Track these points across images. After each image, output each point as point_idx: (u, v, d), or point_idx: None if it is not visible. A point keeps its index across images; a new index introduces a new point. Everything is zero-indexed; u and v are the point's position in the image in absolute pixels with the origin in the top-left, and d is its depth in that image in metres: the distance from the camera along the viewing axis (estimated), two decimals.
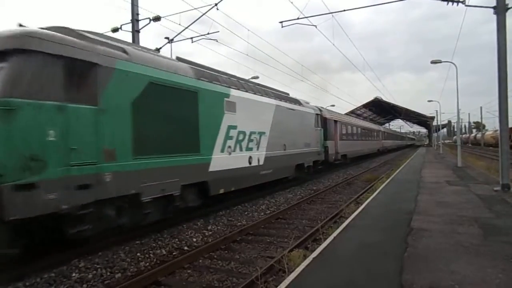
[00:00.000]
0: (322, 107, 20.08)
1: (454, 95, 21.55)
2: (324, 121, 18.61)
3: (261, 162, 11.05)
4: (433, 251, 4.87)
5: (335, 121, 21.10)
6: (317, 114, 17.11)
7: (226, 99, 9.24)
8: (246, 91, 10.52)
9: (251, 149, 10.44)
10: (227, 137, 9.24)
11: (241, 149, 9.91)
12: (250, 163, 10.29)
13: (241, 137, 9.89)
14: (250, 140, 10.37)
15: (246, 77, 13.31)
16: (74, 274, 5.23)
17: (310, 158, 15.67)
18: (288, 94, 15.04)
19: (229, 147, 9.29)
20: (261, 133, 11.12)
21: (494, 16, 9.99)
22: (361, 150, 28.97)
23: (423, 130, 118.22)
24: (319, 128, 17.24)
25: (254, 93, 11.06)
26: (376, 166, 25.68)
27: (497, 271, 4.08)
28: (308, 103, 16.92)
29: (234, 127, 9.55)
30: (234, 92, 9.69)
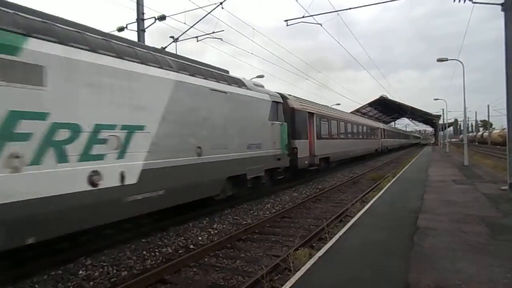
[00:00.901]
0: (290, 94, 15.09)
1: (460, 93, 21.45)
2: (291, 113, 13.98)
3: (131, 180, 6.13)
4: (439, 250, 4.84)
5: (310, 114, 16.12)
6: (275, 103, 12.14)
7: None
8: (92, 51, 5.85)
9: (98, 158, 5.68)
10: (8, 135, 4.54)
11: (62, 159, 5.14)
12: (94, 184, 5.55)
13: (62, 135, 5.18)
14: (94, 141, 5.64)
15: (251, 76, 13.05)
16: (81, 272, 5.29)
17: (259, 165, 10.59)
18: (227, 72, 10.42)
19: (16, 156, 4.58)
20: (131, 128, 6.23)
21: (500, 13, 9.89)
22: (352, 151, 23.59)
23: (429, 129, 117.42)
24: (279, 123, 12.25)
25: (118, 57, 6.27)
26: (382, 165, 25.56)
27: (505, 270, 4.05)
28: (261, 86, 12.22)
29: (38, 116, 4.90)
30: (40, 46, 5.03)
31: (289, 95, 15.03)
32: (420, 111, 66.49)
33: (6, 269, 5.01)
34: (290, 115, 13.91)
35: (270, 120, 11.72)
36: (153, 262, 5.82)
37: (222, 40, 14.53)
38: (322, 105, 20.79)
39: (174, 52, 11.13)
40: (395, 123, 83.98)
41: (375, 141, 33.46)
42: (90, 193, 5.49)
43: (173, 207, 7.46)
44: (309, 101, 18.34)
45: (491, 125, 68.90)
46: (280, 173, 12.43)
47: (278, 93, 13.35)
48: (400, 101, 61.71)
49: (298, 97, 16.28)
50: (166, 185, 6.90)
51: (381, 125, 39.65)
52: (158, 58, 7.43)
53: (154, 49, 8.01)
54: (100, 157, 5.75)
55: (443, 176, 14.14)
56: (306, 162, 14.92)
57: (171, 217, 8.13)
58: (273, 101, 12.09)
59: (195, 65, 8.77)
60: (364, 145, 28.09)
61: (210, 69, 9.33)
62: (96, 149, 5.70)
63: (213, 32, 13.94)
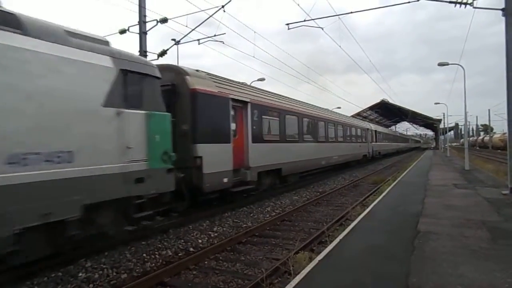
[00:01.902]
0: (198, 70, 9.50)
1: (461, 97, 21.34)
2: (191, 100, 8.45)
3: None
4: (440, 254, 4.83)
5: (241, 103, 10.38)
6: (131, 74, 6.41)
7: None
8: None
9: None
10: None
11: None
12: None
13: None
14: None
15: (252, 79, 12.47)
16: (81, 274, 5.27)
17: (61, 199, 4.96)
18: None
19: None
20: None
21: (502, 18, 9.91)
22: (325, 159, 17.32)
23: (430, 133, 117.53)
24: (141, 112, 6.51)
25: None
26: (383, 169, 25.54)
27: (506, 275, 4.03)
28: (104, 42, 6.30)
29: None
30: None
31: (197, 70, 9.34)
32: (421, 115, 66.54)
33: (6, 271, 5.01)
34: (190, 103, 8.37)
35: (110, 105, 5.91)
36: (153, 264, 5.81)
37: (223, 43, 14.56)
38: (267, 91, 13.41)
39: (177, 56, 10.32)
40: (396, 127, 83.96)
41: (363, 145, 27.27)
42: None
43: None
44: (241, 83, 12.33)
45: (492, 129, 68.94)
46: (149, 205, 6.53)
47: (161, 65, 8.33)
48: (401, 105, 61.81)
49: (214, 75, 10.00)
50: None
51: (371, 125, 33.15)
52: None
53: None
54: None
55: (444, 180, 14.11)
56: (224, 180, 9.07)
57: (171, 220, 8.12)
58: (124, 71, 6.24)
59: None
60: (345, 150, 21.61)
61: None
62: None
63: (215, 35, 13.98)
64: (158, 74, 7.19)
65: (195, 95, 8.53)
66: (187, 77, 8.62)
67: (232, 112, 9.84)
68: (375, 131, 32.87)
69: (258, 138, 11.08)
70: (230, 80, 11.16)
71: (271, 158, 11.74)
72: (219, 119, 9.34)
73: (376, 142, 32.26)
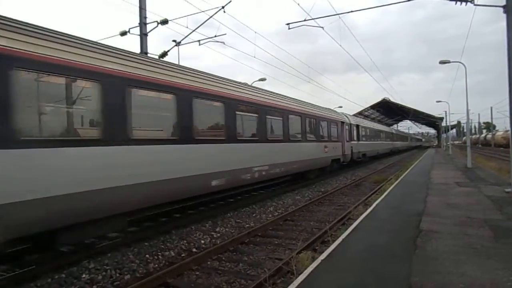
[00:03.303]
0: None
1: (462, 95, 21.34)
2: None
3: None
4: (442, 253, 4.82)
5: None
6: None
7: None
8: None
9: None
10: None
11: None
12: None
13: None
14: None
15: (253, 79, 12.49)
16: (84, 275, 5.30)
17: None
18: None
19: None
20: None
21: (502, 16, 9.87)
22: (228, 174, 8.86)
23: (432, 131, 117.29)
24: None
25: None
26: (384, 168, 25.50)
27: (508, 273, 4.03)
28: None
29: None
30: None
31: None
32: (422, 113, 66.39)
33: (9, 272, 5.04)
34: None
35: None
36: (156, 265, 5.83)
37: (224, 43, 14.56)
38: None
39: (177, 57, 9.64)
40: (397, 126, 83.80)
41: (333, 145, 18.18)
42: None
43: None
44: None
45: (494, 127, 68.81)
46: None
47: None
48: (403, 104, 61.63)
49: None
50: None
51: (351, 119, 23.81)
52: None
53: None
54: None
55: (446, 178, 14.08)
56: None
57: (174, 220, 8.15)
58: None
59: None
60: (290, 154, 12.89)
61: None
62: None
63: (215, 36, 14.00)
64: None
65: None
66: None
67: None
68: (356, 125, 24.36)
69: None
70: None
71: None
72: None
73: (358, 140, 24.47)
